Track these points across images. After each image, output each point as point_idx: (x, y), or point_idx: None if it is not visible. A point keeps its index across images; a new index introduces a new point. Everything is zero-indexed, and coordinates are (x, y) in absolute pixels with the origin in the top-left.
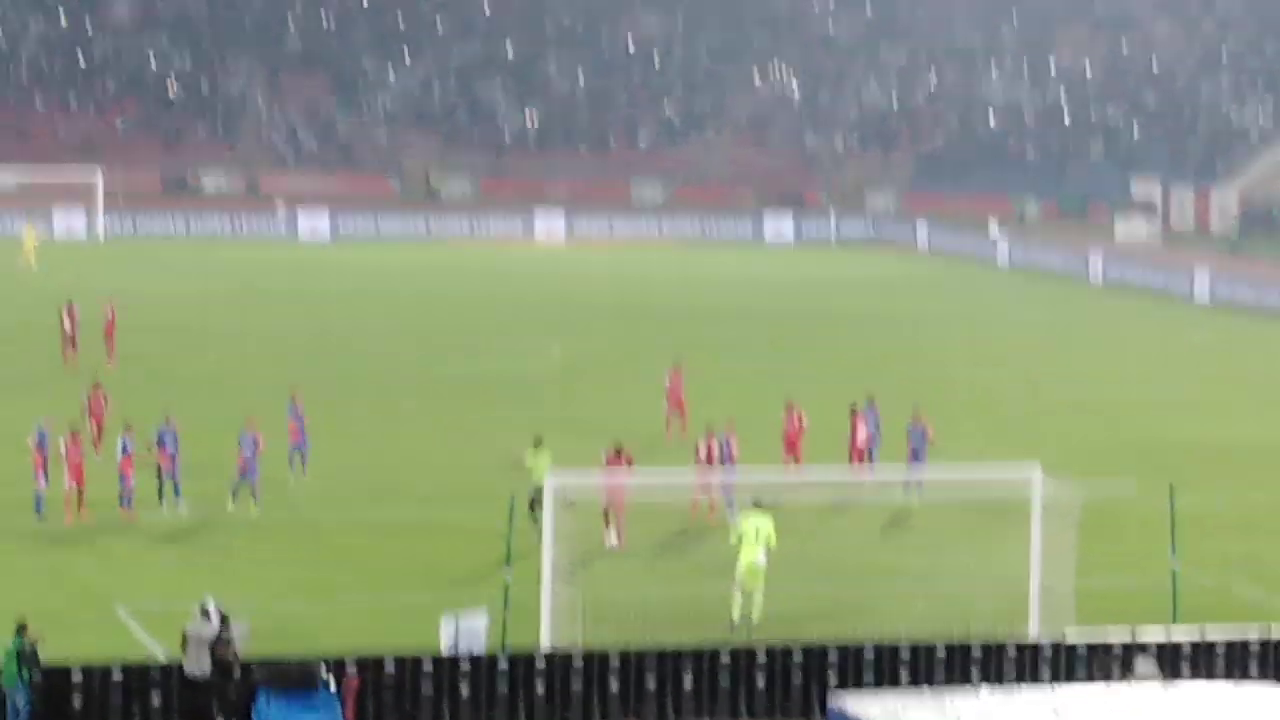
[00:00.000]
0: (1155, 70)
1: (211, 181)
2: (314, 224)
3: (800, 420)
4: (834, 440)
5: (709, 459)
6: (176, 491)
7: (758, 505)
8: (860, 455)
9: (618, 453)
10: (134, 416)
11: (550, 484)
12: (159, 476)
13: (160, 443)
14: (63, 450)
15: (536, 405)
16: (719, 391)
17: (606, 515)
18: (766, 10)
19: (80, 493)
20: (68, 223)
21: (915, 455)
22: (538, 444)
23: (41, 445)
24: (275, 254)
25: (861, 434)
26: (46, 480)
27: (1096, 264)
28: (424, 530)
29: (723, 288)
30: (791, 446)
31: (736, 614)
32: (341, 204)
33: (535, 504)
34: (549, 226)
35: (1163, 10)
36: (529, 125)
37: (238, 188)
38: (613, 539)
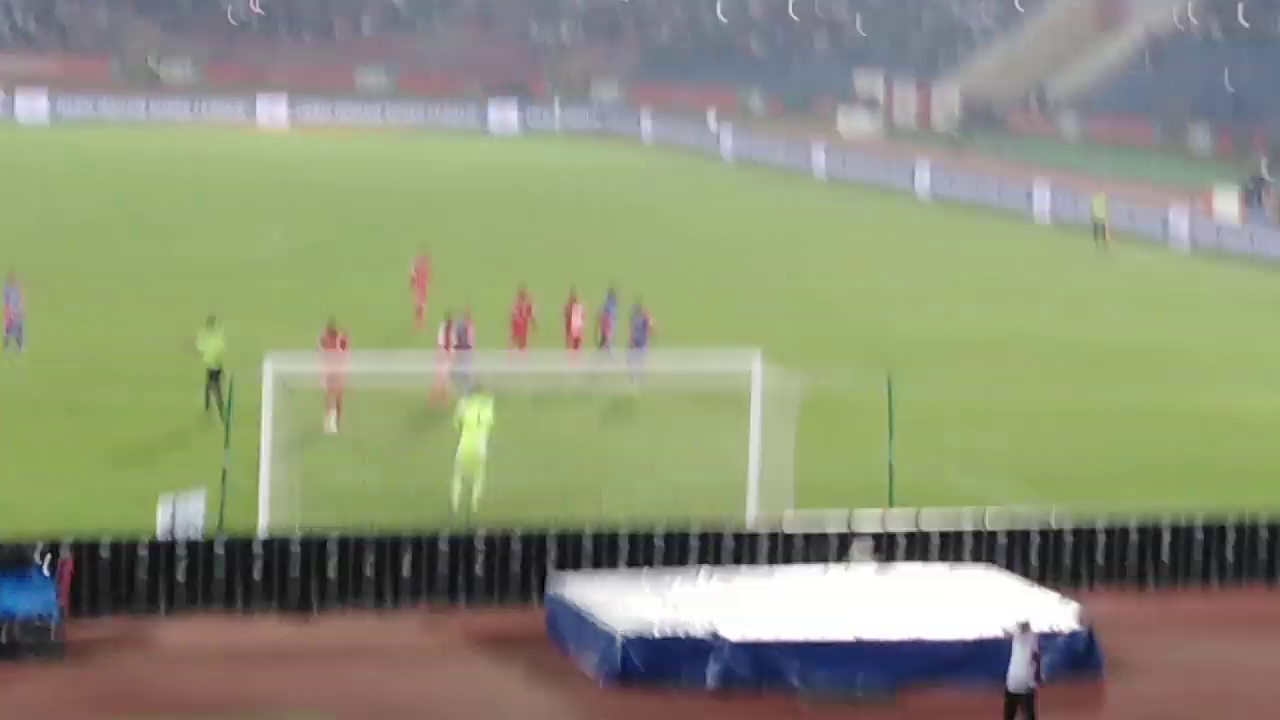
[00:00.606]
0: None
1: None
2: (32, 105)
3: (529, 308)
4: (560, 328)
5: (447, 345)
6: None
7: (479, 390)
8: (577, 343)
9: (332, 334)
10: None
11: (268, 367)
12: None
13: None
14: None
15: (258, 289)
16: (449, 278)
17: (327, 400)
18: None
19: None
20: None
21: (637, 343)
22: (210, 324)
23: None
24: None
25: (576, 321)
26: None
27: (820, 158)
28: (141, 412)
29: (448, 175)
30: (519, 333)
31: (456, 500)
32: (60, 86)
33: (211, 386)
34: (271, 112)
35: None
36: (252, 10)
37: None
38: (332, 424)
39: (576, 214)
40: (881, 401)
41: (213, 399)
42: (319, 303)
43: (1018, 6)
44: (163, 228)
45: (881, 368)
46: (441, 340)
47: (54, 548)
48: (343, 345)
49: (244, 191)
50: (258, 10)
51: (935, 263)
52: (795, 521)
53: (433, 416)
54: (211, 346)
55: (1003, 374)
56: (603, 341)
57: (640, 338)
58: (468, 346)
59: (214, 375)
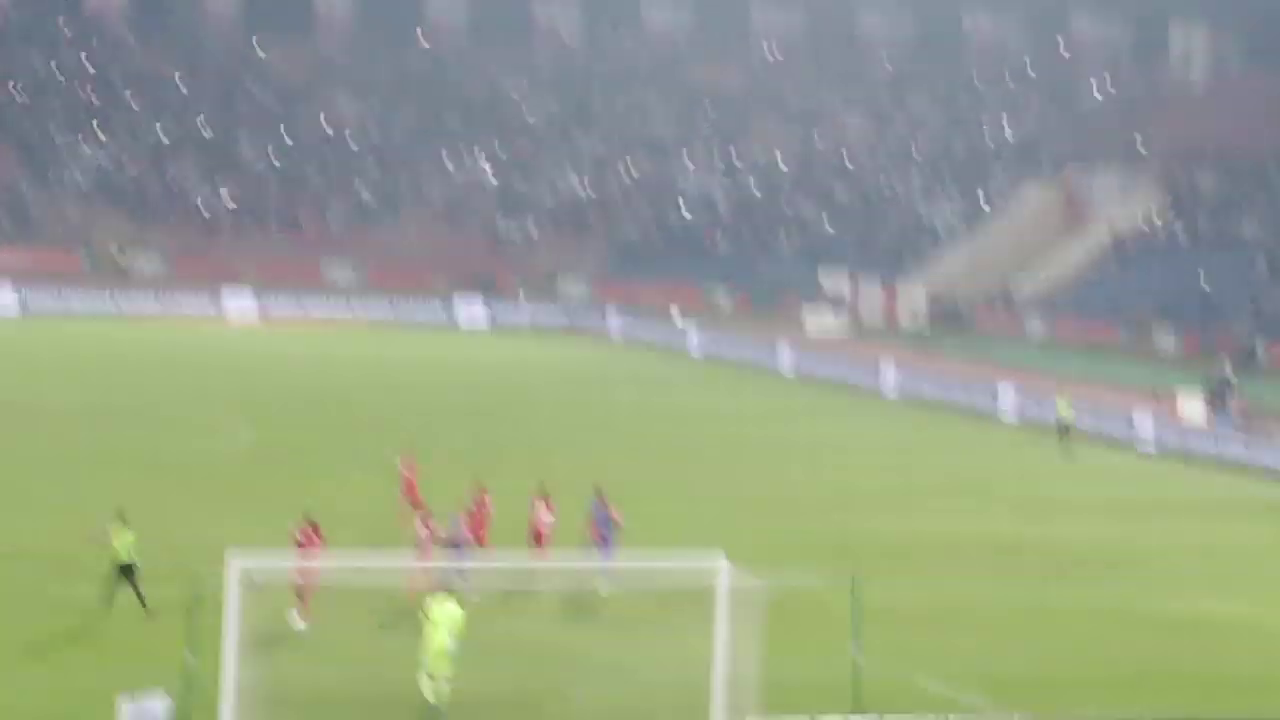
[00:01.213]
0: (847, 164)
1: None
2: (1, 298)
3: (486, 505)
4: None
5: (428, 542)
6: None
7: (447, 591)
8: (540, 539)
9: (310, 528)
10: None
11: (234, 564)
12: None
13: None
14: None
15: (223, 483)
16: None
17: (301, 594)
18: (461, 95)
19: None
20: None
21: (604, 542)
22: (122, 518)
23: None
24: None
25: (544, 518)
26: None
27: (786, 355)
28: (103, 608)
29: (415, 370)
30: (477, 530)
31: (431, 698)
32: (29, 279)
33: (118, 580)
34: (239, 305)
35: (854, 105)
36: (221, 204)
37: None
38: (297, 621)
39: (543, 410)
40: (846, 602)
41: (124, 593)
42: (285, 498)
43: (983, 206)
44: (129, 419)
45: (846, 568)
46: (422, 535)
47: None
48: (317, 539)
49: (211, 385)
50: (227, 204)
51: (901, 462)
52: None
53: (406, 615)
54: (123, 540)
55: (968, 574)
56: (601, 542)
57: (606, 535)
58: (458, 545)
59: (125, 570)
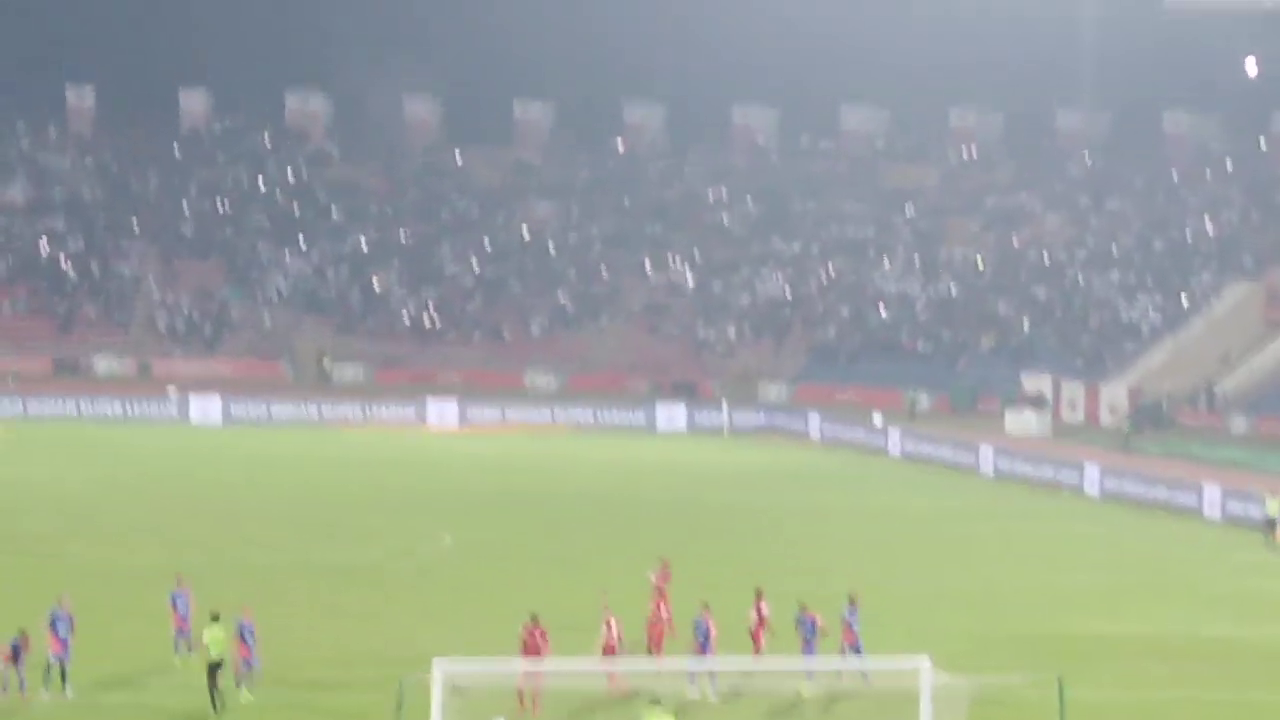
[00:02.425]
0: (1046, 263)
1: (104, 364)
2: (205, 407)
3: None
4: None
5: (610, 642)
6: (64, 677)
7: (656, 703)
8: (757, 641)
9: (539, 629)
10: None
11: (439, 668)
12: (48, 662)
13: (52, 627)
14: None
15: (426, 590)
16: (617, 575)
17: (520, 697)
18: (660, 200)
19: None
20: None
21: (807, 645)
22: (215, 619)
23: None
24: (166, 438)
25: (760, 619)
26: None
27: (987, 456)
28: (306, 715)
29: (614, 473)
30: (654, 636)
31: None
32: (233, 388)
33: (212, 675)
34: (441, 412)
35: (1053, 206)
36: (423, 312)
37: (130, 371)
38: None
39: (744, 513)
40: (1052, 703)
41: (215, 694)
42: (488, 601)
43: (1184, 304)
44: (333, 528)
45: (1052, 668)
46: (611, 636)
47: None
48: (544, 641)
49: (412, 490)
50: (429, 312)
51: (1106, 560)
52: None
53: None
54: (215, 638)
55: (1174, 674)
56: (853, 649)
57: (809, 639)
58: (706, 648)
59: (214, 669)
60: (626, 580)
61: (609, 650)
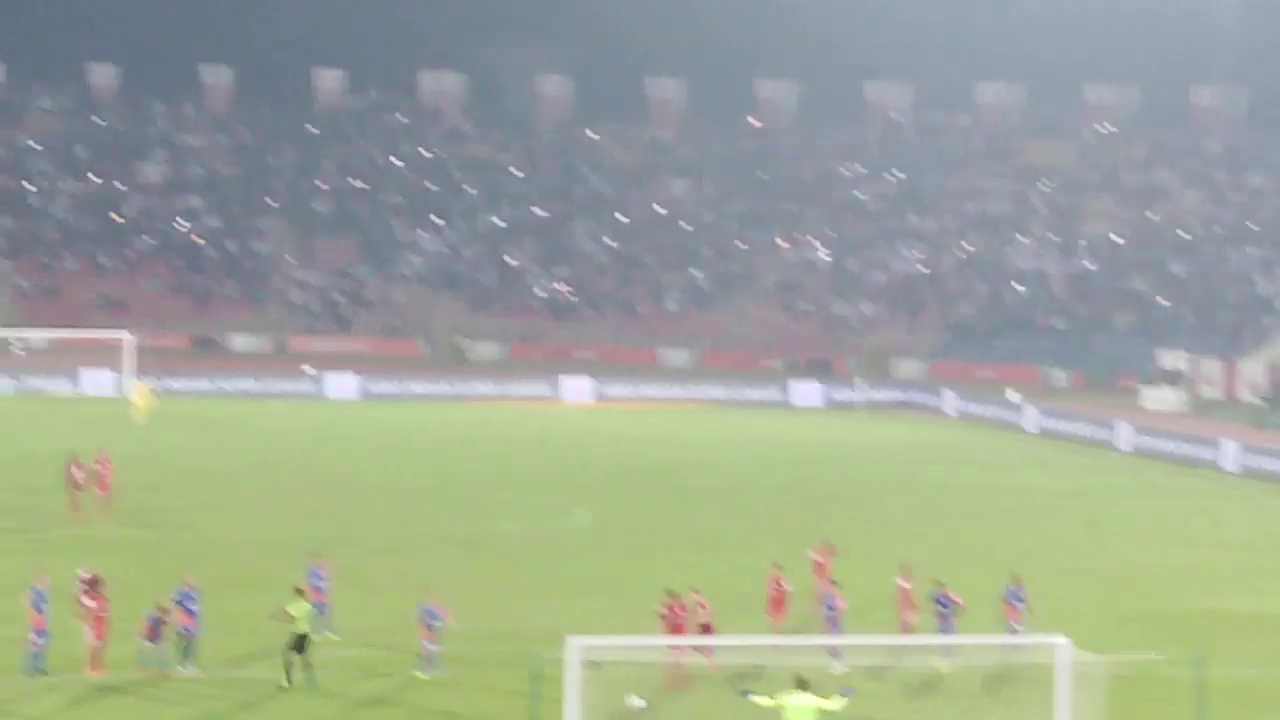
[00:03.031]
0: (1183, 240)
1: (241, 341)
2: (341, 383)
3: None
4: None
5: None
6: (190, 652)
7: (801, 686)
8: (908, 617)
9: (679, 603)
10: (156, 575)
11: (574, 645)
12: (179, 637)
13: (181, 603)
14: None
15: (562, 565)
16: (749, 549)
17: (668, 677)
18: (794, 176)
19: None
20: (95, 380)
21: (944, 622)
22: (299, 592)
23: (38, 605)
24: (302, 414)
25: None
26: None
27: (1124, 432)
28: (446, 690)
29: (749, 447)
30: (776, 609)
31: None
32: (369, 366)
33: (294, 650)
34: (576, 388)
35: (1191, 181)
36: (557, 289)
37: (266, 348)
38: (636, 701)
39: (881, 490)
40: (1191, 682)
41: (295, 663)
42: (624, 577)
43: None
44: (468, 504)
45: (1191, 647)
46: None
47: None
48: (683, 614)
49: (547, 466)
50: (563, 289)
51: (1245, 538)
52: None
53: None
54: (301, 611)
55: None
56: (1014, 624)
57: (947, 615)
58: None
59: (300, 640)
60: (757, 557)
61: (706, 629)
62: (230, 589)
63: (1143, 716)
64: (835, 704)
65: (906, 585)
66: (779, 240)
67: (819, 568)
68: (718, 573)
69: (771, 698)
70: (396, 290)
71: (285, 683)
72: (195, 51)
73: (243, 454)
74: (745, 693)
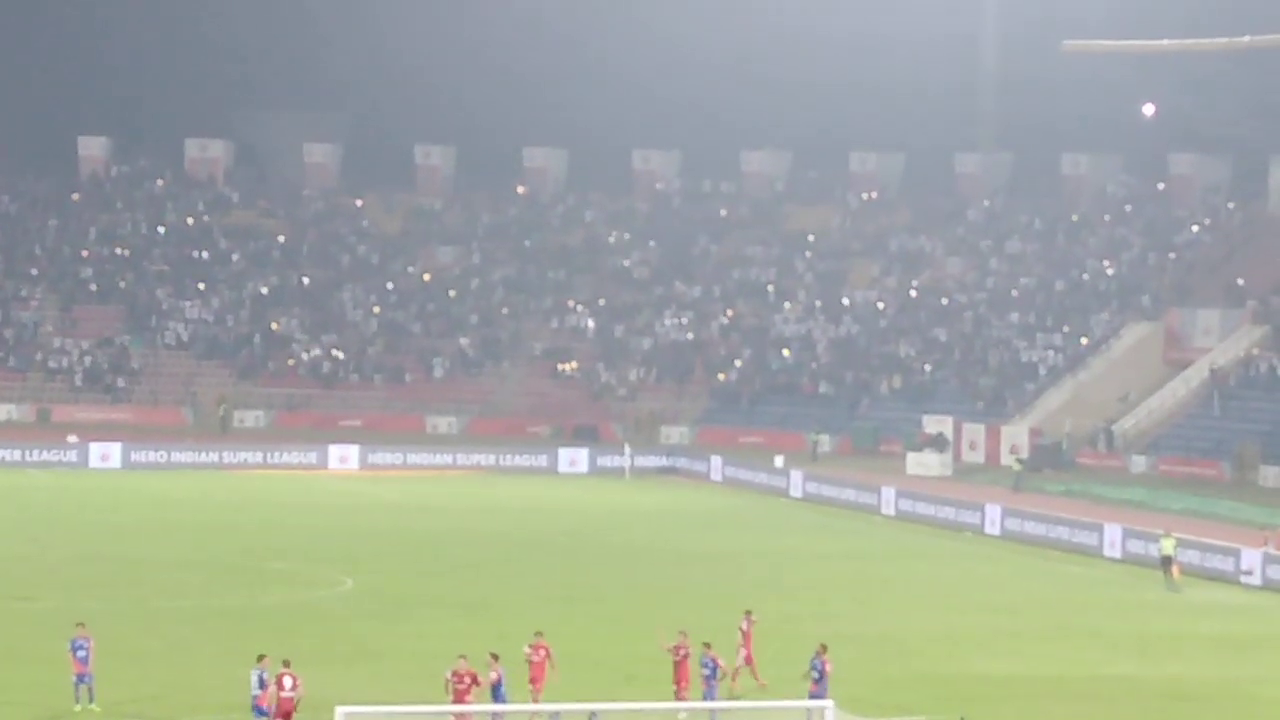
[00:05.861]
0: (946, 306)
1: (3, 411)
2: (104, 452)
3: (546, 651)
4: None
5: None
6: None
7: None
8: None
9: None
10: None
11: (340, 714)
12: None
13: None
14: None
15: (329, 634)
16: (513, 616)
17: None
18: (561, 244)
19: None
20: None
21: (708, 687)
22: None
23: None
24: (66, 483)
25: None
26: None
27: (888, 497)
28: None
29: (514, 515)
30: (536, 677)
31: None
32: (134, 435)
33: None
34: (342, 456)
35: (953, 248)
36: (323, 357)
37: (29, 418)
38: None
39: (646, 556)
40: None
41: None
42: (387, 644)
43: (1084, 345)
44: (233, 572)
45: (955, 709)
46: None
47: None
48: (474, 682)
49: (312, 535)
50: (329, 356)
51: (1006, 601)
52: None
53: None
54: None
55: (1076, 714)
56: (816, 691)
57: (711, 680)
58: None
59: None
60: (524, 623)
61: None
62: (1, 662)
63: None
64: None
65: (682, 648)
66: (546, 308)
67: (745, 635)
68: (486, 639)
69: None
70: (161, 358)
71: None
72: None
73: (3, 524)
74: None
